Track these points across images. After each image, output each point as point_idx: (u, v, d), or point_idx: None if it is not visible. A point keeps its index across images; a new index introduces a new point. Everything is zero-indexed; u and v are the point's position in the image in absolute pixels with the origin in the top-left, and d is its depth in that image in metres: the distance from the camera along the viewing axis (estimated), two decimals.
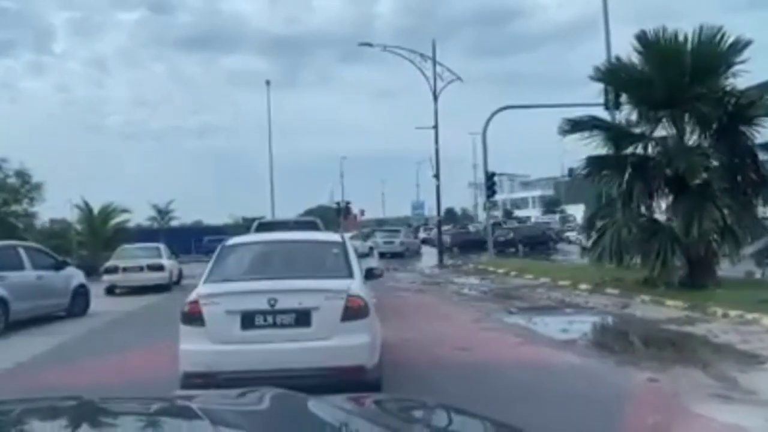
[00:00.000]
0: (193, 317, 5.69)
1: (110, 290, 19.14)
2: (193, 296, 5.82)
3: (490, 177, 27.85)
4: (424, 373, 7.06)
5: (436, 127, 28.42)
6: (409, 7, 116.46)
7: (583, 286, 15.78)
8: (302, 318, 5.61)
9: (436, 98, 28.19)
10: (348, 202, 52.00)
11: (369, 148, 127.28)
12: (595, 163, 15.32)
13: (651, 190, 14.25)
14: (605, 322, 11.29)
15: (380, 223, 75.49)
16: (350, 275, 6.06)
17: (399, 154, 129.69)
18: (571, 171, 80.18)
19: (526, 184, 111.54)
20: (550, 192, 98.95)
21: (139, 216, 51.30)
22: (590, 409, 5.44)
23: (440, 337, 9.46)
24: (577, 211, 79.66)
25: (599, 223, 15.24)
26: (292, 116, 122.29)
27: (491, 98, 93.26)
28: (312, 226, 15.42)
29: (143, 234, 44.43)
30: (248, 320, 5.61)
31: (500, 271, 22.05)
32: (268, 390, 1.83)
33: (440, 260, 28.48)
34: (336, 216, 53.59)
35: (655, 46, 13.96)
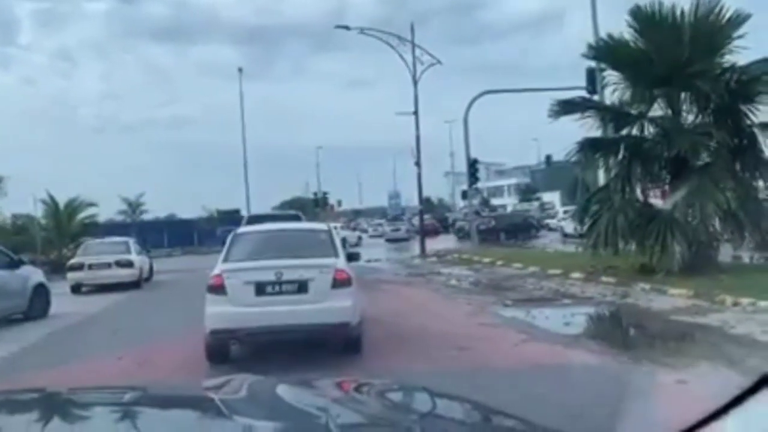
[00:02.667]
0: (218, 287, 7.23)
1: (76, 289, 17.98)
2: (216, 271, 7.38)
3: (472, 164, 27.10)
4: (422, 381, 6.19)
5: (416, 112, 27.53)
6: None
7: (576, 275, 15.08)
8: (302, 287, 7.16)
9: (415, 83, 27.28)
10: (325, 193, 51.00)
11: (344, 139, 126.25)
12: (588, 145, 14.58)
13: (647, 173, 13.58)
14: (608, 314, 10.56)
15: (357, 214, 74.68)
16: (336, 255, 7.66)
17: (374, 145, 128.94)
18: (548, 158, 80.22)
19: (502, 173, 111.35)
20: (525, 180, 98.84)
21: (111, 210, 49.93)
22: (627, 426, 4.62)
23: (436, 336, 8.61)
24: (554, 199, 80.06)
25: (593, 209, 14.53)
26: (265, 107, 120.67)
27: (465, 87, 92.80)
28: (296, 219, 17.78)
29: (114, 228, 43.03)
30: (261, 289, 7.14)
31: (486, 260, 21.30)
32: (246, 377, 1.91)
33: (422, 250, 27.68)
34: (314, 207, 52.60)
35: (651, 22, 13.24)
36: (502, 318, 10.25)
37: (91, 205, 32.98)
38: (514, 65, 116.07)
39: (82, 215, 33.04)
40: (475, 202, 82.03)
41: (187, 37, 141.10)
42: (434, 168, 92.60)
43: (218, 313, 7.17)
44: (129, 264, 18.27)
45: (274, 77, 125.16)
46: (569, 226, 37.55)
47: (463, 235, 38.79)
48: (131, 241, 20.08)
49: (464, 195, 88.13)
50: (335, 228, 21.44)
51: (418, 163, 27.96)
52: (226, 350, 7.52)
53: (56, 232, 30.62)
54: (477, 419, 1.78)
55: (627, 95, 14.31)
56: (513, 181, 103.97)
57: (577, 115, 14.68)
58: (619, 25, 13.97)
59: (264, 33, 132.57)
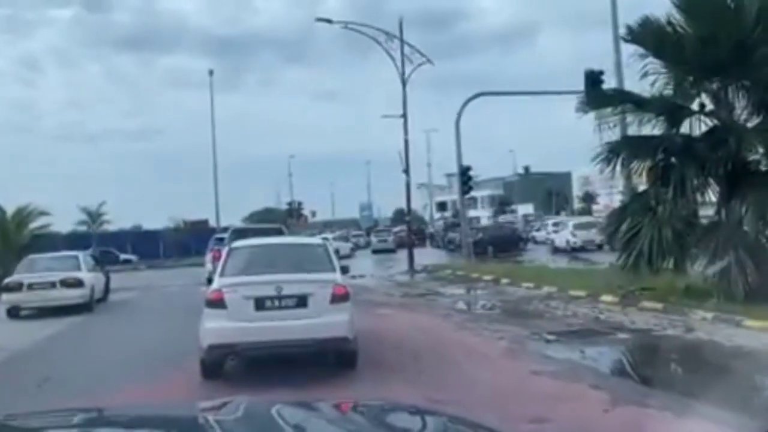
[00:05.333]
0: (217, 302, 7.13)
1: (12, 313, 15.11)
2: (215, 286, 7.34)
3: (464, 171, 24.87)
4: None
5: (404, 116, 25.20)
6: (355, 6, 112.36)
7: (607, 298, 12.88)
8: (301, 301, 7.15)
9: (404, 83, 24.99)
10: (300, 203, 48.39)
11: (315, 150, 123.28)
12: (627, 146, 12.41)
13: (698, 179, 11.45)
14: (691, 356, 8.28)
15: (328, 225, 72.38)
16: (333, 269, 7.64)
17: (345, 156, 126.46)
18: (527, 169, 79.30)
19: (476, 184, 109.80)
20: (499, 192, 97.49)
21: (72, 221, 46.61)
22: None
23: (484, 397, 6.19)
24: (528, 210, 78.82)
25: (629, 221, 12.32)
26: (234, 118, 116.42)
27: (439, 99, 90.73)
28: (279, 232, 17.37)
29: (74, 240, 39.92)
30: (260, 303, 7.11)
31: (487, 278, 18.98)
32: (244, 399, 1.88)
33: (411, 265, 25.30)
34: (286, 217, 50.00)
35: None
36: (554, 362, 7.91)
37: (43, 214, 29.87)
38: (489, 77, 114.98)
39: (33, 225, 29.95)
40: (448, 214, 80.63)
41: (155, 46, 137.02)
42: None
43: (217, 328, 7.07)
44: (77, 283, 15.46)
45: (244, 88, 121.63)
46: (560, 240, 35.90)
47: (453, 248, 36.56)
48: (82, 256, 17.26)
49: (441, 206, 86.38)
50: (328, 240, 20.03)
51: (406, 171, 25.61)
52: (221, 367, 7.38)
53: (2, 244, 27.38)
54: None
55: (669, 87, 12.19)
56: (486, 192, 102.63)
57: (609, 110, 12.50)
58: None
59: (234, 44, 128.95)
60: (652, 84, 12.32)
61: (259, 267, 7.54)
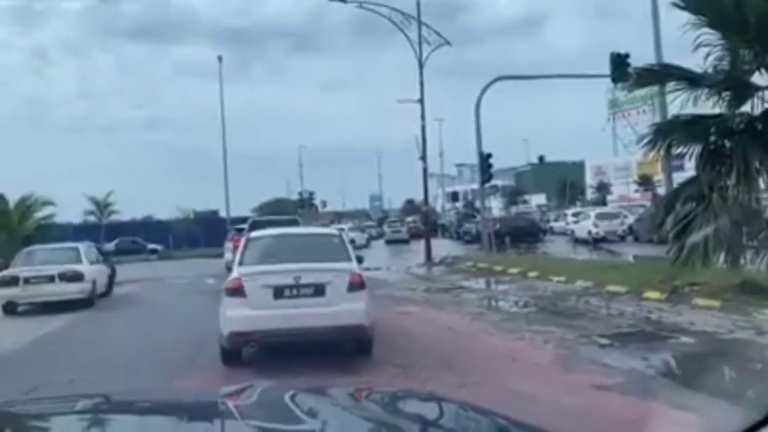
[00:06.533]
0: (237, 291, 7.32)
1: (9, 309, 14.14)
2: (235, 275, 7.51)
3: (485, 158, 23.63)
4: None
5: (422, 100, 24.03)
6: None
7: (652, 294, 11.73)
8: (318, 290, 7.31)
9: (421, 65, 23.77)
10: (312, 193, 47.34)
11: (324, 140, 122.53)
12: (676, 127, 11.22)
13: (764, 163, 10.25)
14: None
15: (338, 216, 71.50)
16: (349, 259, 7.88)
17: (354, 146, 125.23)
18: (541, 159, 77.83)
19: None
20: (510, 182, 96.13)
21: (82, 212, 45.78)
22: None
23: (550, 421, 5.08)
24: (541, 201, 77.52)
25: (681, 209, 11.13)
26: (244, 108, 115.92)
27: (448, 88, 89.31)
28: (294, 223, 18.27)
29: (85, 230, 39.06)
30: (279, 292, 7.28)
31: (512, 271, 17.82)
32: (261, 384, 1.97)
33: (428, 256, 24.21)
34: (296, 208, 49.00)
35: None
36: (617, 372, 6.78)
37: (48, 203, 28.97)
38: (498, 66, 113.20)
39: (38, 215, 29.10)
40: (459, 204, 79.25)
41: (165, 37, 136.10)
42: (418, 170, 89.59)
43: (237, 316, 7.24)
44: (77, 277, 14.43)
45: (253, 79, 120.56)
46: (581, 230, 34.60)
47: (470, 239, 35.39)
48: (83, 247, 16.24)
49: (454, 197, 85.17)
50: (344, 230, 20.77)
51: (423, 157, 24.43)
52: (240, 353, 7.59)
53: (5, 236, 26.50)
54: (492, 429, 1.77)
55: (724, 62, 10.96)
56: (498, 182, 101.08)
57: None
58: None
59: (243, 34, 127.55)
60: (705, 57, 11.11)
61: (278, 256, 7.69)
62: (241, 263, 7.73)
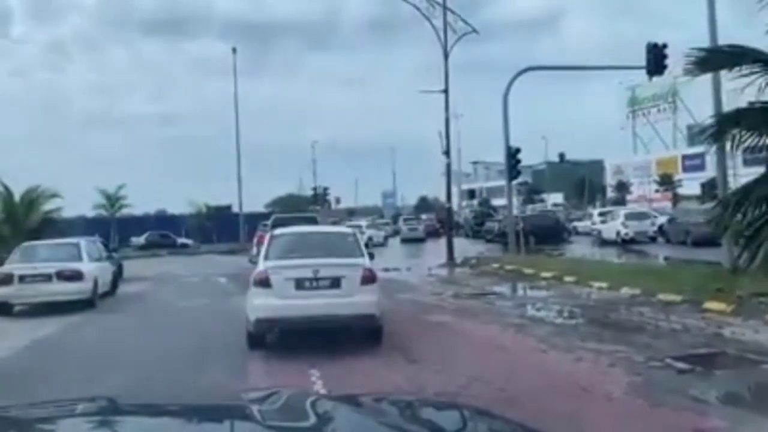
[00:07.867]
0: (263, 281, 8.15)
1: (3, 309, 13.04)
2: (261, 267, 8.36)
3: (513, 153, 22.31)
4: None
5: (446, 91, 22.71)
6: None
7: (715, 306, 10.41)
8: (335, 282, 8.13)
9: (446, 55, 22.45)
10: (326, 189, 46.16)
11: (337, 137, 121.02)
12: (744, 117, 9.86)
13: None
14: None
15: (351, 213, 70.45)
16: (363, 255, 8.66)
17: (367, 143, 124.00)
18: (561, 156, 76.21)
19: (503, 172, 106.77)
20: (527, 180, 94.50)
21: (93, 204, 44.90)
22: None
23: None
24: (558, 199, 75.99)
25: (750, 212, 9.76)
26: (258, 104, 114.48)
27: (462, 86, 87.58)
28: (313, 221, 20.42)
29: (98, 224, 38.16)
30: (300, 284, 8.08)
31: (545, 274, 16.47)
32: (286, 390, 1.99)
33: (450, 256, 22.92)
34: (310, 204, 47.90)
35: None
36: (716, 410, 5.52)
37: (55, 196, 27.88)
38: (515, 64, 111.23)
39: (45, 207, 28.07)
40: (475, 202, 77.51)
41: (181, 32, 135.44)
42: (431, 166, 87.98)
43: (263, 304, 8.04)
44: (76, 275, 13.28)
45: (268, 74, 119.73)
46: (609, 231, 33.11)
47: (491, 238, 34.05)
48: (84, 243, 15.12)
49: (471, 194, 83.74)
50: (360, 228, 21.73)
51: (447, 152, 23.13)
52: (264, 338, 8.30)
53: (10, 229, 25.46)
54: None
55: None
56: (514, 181, 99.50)
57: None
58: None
59: (258, 29, 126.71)
60: None
61: (299, 252, 8.58)
62: (266, 257, 8.47)
